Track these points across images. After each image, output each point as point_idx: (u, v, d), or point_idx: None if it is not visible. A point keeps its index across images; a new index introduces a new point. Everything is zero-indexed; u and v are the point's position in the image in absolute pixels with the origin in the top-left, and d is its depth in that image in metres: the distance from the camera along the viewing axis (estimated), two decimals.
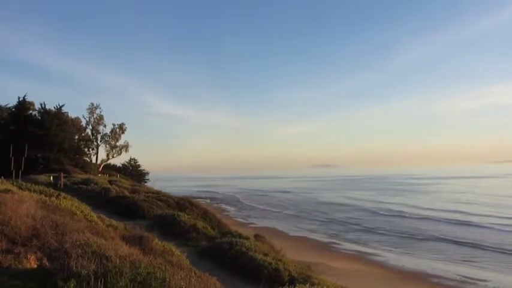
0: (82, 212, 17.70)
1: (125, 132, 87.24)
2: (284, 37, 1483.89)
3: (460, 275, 24.97)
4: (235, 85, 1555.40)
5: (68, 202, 19.19)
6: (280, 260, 16.41)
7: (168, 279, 6.73)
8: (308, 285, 9.33)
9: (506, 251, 32.04)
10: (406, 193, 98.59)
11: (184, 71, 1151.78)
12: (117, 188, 36.42)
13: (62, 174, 39.75)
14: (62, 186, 35.84)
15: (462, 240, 36.49)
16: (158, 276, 6.80)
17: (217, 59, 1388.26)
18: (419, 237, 38.85)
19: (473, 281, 23.75)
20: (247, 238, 20.10)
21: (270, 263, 15.47)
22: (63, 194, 22.50)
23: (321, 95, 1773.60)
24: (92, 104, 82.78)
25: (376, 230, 43.38)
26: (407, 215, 54.96)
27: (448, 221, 48.17)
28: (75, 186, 37.23)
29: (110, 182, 43.72)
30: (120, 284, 6.38)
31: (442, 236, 38.65)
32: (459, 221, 47.50)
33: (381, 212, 59.10)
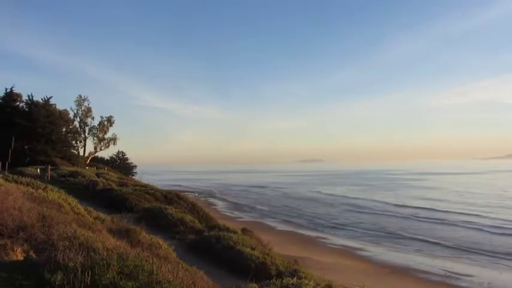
0: (69, 204, 17.64)
1: (113, 125, 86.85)
2: (273, 31, 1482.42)
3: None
4: (225, 79, 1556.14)
5: (55, 194, 19.10)
6: (267, 254, 16.46)
7: (155, 272, 6.74)
8: (295, 278, 9.38)
9: (461, 247, 32.37)
10: (387, 188, 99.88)
11: (175, 64, 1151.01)
12: (104, 181, 36.24)
13: (49, 167, 39.46)
14: (49, 178, 35.57)
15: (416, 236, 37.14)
16: (146, 268, 6.81)
17: (206, 53, 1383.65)
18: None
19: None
20: (234, 232, 20.12)
21: (257, 257, 15.52)
22: (50, 186, 22.40)
23: (311, 89, 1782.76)
24: (80, 96, 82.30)
25: (343, 227, 43.42)
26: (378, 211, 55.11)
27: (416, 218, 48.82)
28: (63, 178, 36.99)
29: (98, 174, 43.48)
30: (108, 276, 6.37)
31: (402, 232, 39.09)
32: (426, 217, 47.71)
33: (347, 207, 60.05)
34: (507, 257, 28.56)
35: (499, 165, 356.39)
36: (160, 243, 14.40)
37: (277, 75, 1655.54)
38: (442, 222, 43.69)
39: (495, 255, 29.43)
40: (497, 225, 40.80)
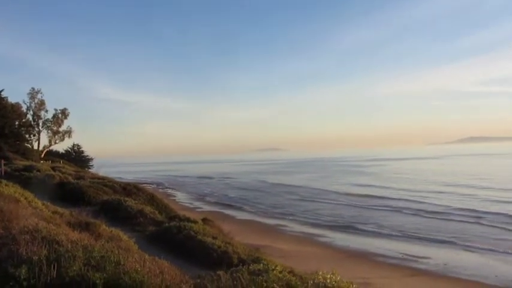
0: (26, 198, 17.32)
1: (68, 118, 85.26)
2: (231, 20, 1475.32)
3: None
4: (186, 69, 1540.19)
5: (11, 189, 18.71)
6: (229, 243, 16.57)
7: (122, 262, 6.76)
8: (261, 265, 9.51)
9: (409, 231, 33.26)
10: (338, 175, 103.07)
11: (132, 57, 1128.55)
12: (60, 175, 35.56)
13: (2, 161, 38.50)
14: (2, 173, 34.73)
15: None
16: (112, 259, 6.82)
17: (166, 44, 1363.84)
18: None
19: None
20: (195, 222, 20.14)
21: (219, 246, 15.62)
22: (4, 181, 21.90)
23: (268, 78, 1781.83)
24: (33, 89, 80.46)
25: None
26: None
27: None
28: (17, 173, 36.08)
29: (53, 168, 42.63)
30: (74, 268, 6.36)
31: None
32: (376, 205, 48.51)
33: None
34: (456, 241, 29.35)
35: (453, 150, 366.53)
36: (121, 235, 14.31)
37: (237, 65, 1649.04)
38: (392, 209, 44.55)
39: (448, 239, 30.28)
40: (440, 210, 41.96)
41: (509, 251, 25.84)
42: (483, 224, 34.21)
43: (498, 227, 32.71)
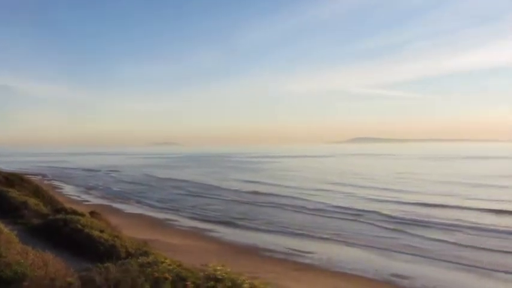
0: None
1: None
2: (130, 11, 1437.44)
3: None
4: (77, 59, 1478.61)
5: None
6: (116, 237, 16.28)
7: (3, 254, 6.45)
8: (150, 257, 9.43)
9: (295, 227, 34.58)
10: (230, 170, 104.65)
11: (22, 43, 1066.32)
12: None
13: None
14: None
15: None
16: None
17: (59, 33, 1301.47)
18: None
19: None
20: (82, 215, 19.58)
21: (107, 240, 15.32)
22: None
23: (168, 72, 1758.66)
24: None
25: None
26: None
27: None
28: None
29: None
30: None
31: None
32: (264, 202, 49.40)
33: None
34: (337, 237, 30.64)
35: (344, 149, 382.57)
36: (1, 228, 13.61)
37: (134, 56, 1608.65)
38: (279, 205, 45.58)
39: (331, 235, 31.52)
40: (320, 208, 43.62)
41: (386, 247, 27.36)
42: (362, 222, 35.91)
43: (375, 225, 34.47)
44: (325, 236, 30.79)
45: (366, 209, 41.56)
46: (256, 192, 56.62)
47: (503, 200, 46.08)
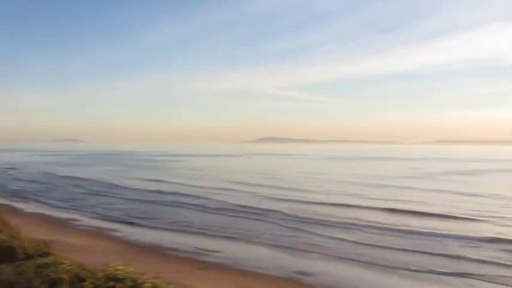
0: None
1: None
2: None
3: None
4: None
5: None
6: (14, 237, 15.59)
7: None
8: (49, 258, 9.17)
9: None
10: (134, 169, 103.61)
11: None
12: None
13: None
14: None
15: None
16: None
17: None
18: None
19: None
20: None
21: (4, 241, 14.62)
22: None
23: (67, 66, 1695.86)
24: None
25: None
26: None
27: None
28: None
29: None
30: None
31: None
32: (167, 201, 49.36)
33: None
34: (240, 237, 30.96)
35: (251, 148, 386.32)
36: None
37: (41, 50, 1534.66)
38: (183, 204, 45.41)
39: (236, 234, 31.86)
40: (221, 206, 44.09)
41: (290, 246, 28.02)
42: (265, 221, 36.48)
43: (278, 224, 35.12)
44: (230, 235, 31.07)
45: (269, 208, 42.22)
46: (160, 191, 55.97)
47: (400, 200, 48.58)
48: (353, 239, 29.77)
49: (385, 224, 35.02)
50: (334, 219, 36.60)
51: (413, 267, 23.16)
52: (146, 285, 6.91)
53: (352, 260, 24.75)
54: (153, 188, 59.50)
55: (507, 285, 20.42)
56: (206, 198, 49.34)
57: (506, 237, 29.80)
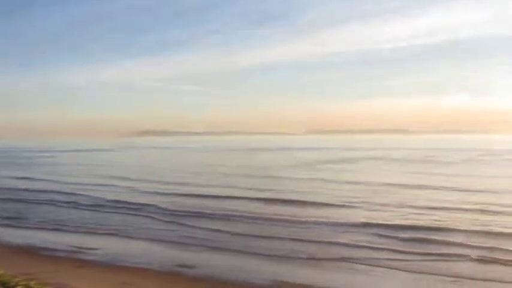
0: None
1: None
2: None
3: None
4: None
5: None
6: None
7: None
8: None
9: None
10: None
11: None
12: None
13: None
14: None
15: None
16: None
17: None
18: None
19: None
20: None
21: None
22: None
23: None
24: None
25: None
26: None
27: None
28: None
29: None
30: None
31: None
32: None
33: None
34: (118, 233, 30.31)
35: (130, 142, 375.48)
36: None
37: None
38: (55, 202, 43.53)
39: (114, 230, 31.20)
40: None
41: (168, 240, 27.92)
42: (142, 215, 35.96)
43: (155, 218, 34.65)
44: (107, 232, 30.30)
45: (146, 202, 41.50)
46: (29, 190, 53.06)
47: (276, 190, 49.62)
48: (229, 230, 30.16)
49: (260, 213, 35.73)
50: (210, 211, 36.80)
51: (293, 255, 23.94)
52: (18, 287, 6.69)
53: (232, 250, 25.14)
54: (22, 187, 56.09)
55: (381, 266, 21.84)
56: (80, 195, 47.33)
57: (376, 222, 31.70)
